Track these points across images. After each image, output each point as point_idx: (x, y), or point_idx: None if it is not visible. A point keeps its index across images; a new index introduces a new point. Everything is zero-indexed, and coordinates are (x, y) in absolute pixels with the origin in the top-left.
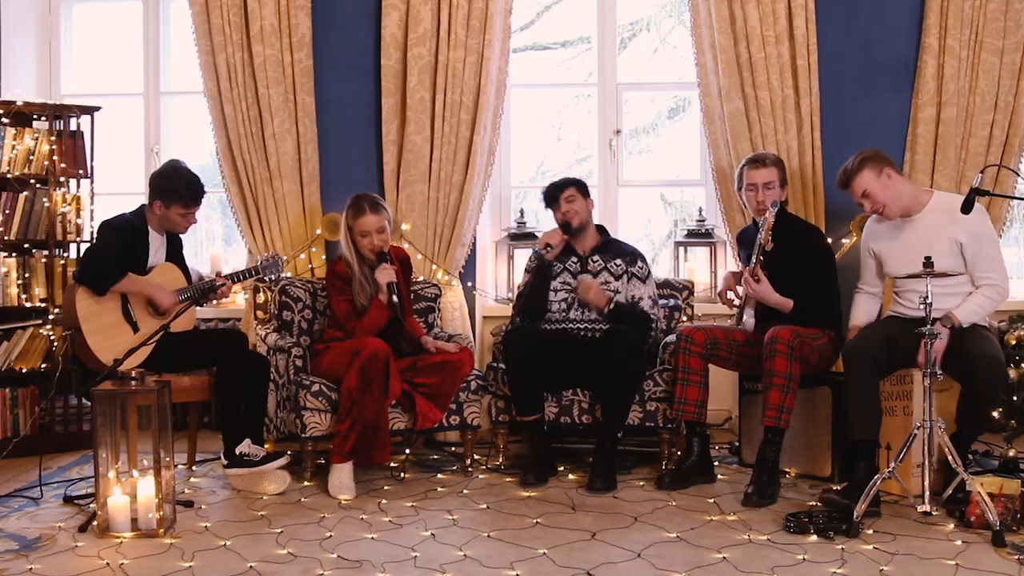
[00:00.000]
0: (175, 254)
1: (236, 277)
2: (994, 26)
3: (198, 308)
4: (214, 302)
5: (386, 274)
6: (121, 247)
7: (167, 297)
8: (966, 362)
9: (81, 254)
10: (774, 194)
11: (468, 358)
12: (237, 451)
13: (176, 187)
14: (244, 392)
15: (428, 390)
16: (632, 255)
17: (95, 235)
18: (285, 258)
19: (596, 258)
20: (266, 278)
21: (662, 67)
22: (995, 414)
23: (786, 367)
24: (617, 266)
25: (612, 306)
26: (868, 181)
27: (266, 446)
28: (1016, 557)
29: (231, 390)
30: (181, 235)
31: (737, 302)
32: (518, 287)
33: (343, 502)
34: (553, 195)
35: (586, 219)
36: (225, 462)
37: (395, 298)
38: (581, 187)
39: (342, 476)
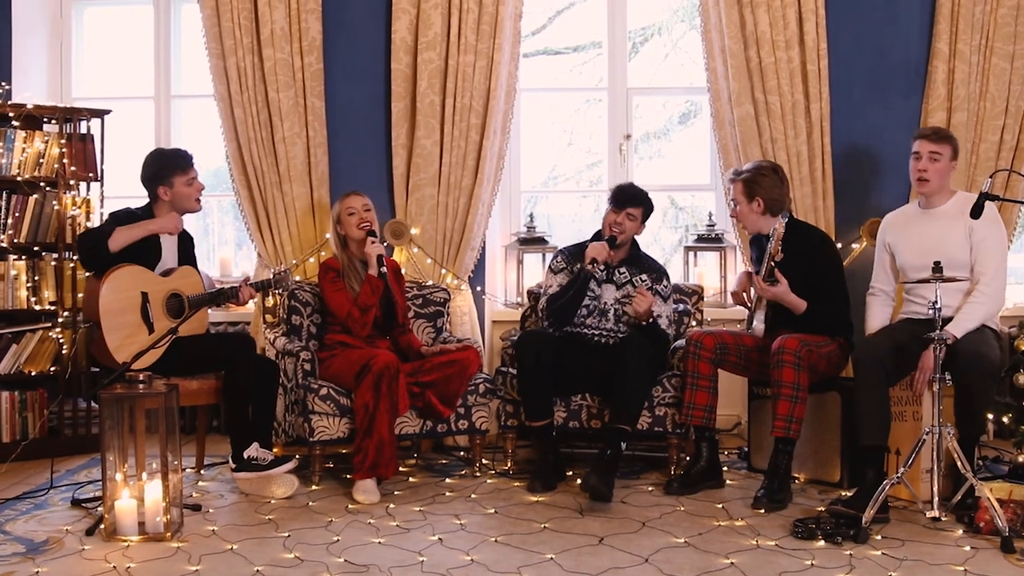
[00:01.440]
0: (188, 258)
1: (256, 286)
2: (1005, 31)
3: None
4: (221, 306)
5: (375, 247)
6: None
7: (171, 221)
8: (955, 359)
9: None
10: (739, 211)
11: (475, 356)
12: (245, 455)
13: (165, 160)
14: (252, 396)
15: (436, 391)
16: (659, 273)
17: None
18: (297, 279)
19: (623, 270)
20: (279, 290)
21: (674, 72)
22: (1004, 420)
23: (794, 377)
24: (642, 281)
25: (650, 320)
26: (944, 153)
27: (274, 450)
28: None
29: (239, 394)
30: (197, 211)
31: (750, 304)
32: (539, 285)
33: (352, 506)
34: (622, 201)
35: (630, 238)
36: (233, 466)
37: (383, 269)
38: (647, 212)
39: (367, 486)
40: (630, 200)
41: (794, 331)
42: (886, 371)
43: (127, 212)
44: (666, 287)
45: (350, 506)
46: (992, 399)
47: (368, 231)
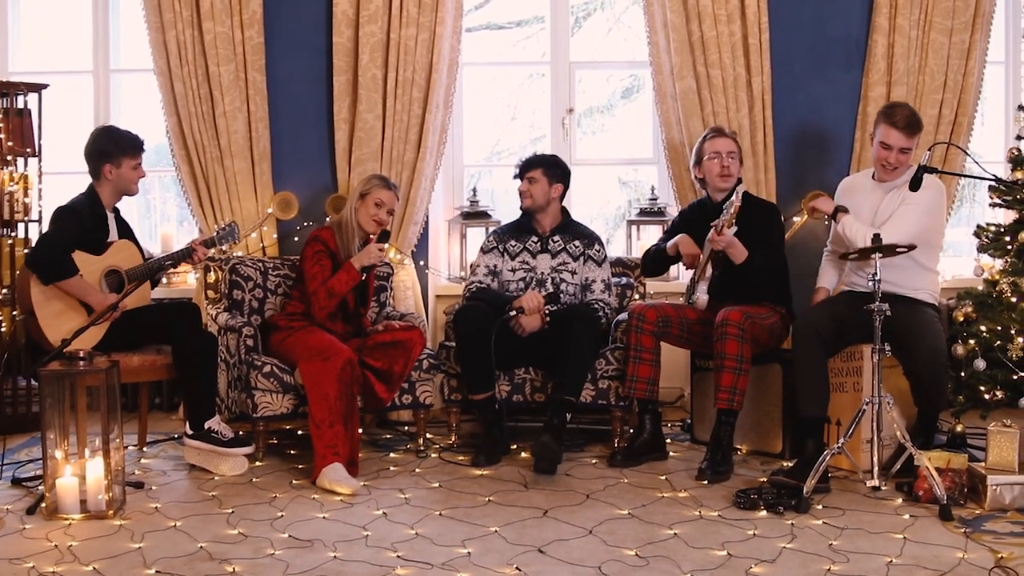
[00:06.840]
0: (126, 232)
1: (206, 243)
2: (943, 6)
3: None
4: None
5: (380, 254)
6: (77, 235)
7: (107, 301)
8: (909, 355)
9: (36, 239)
10: (736, 165)
11: (419, 338)
12: (206, 425)
13: (119, 140)
14: (200, 366)
15: (379, 369)
16: (590, 238)
17: (51, 221)
18: (239, 254)
19: (556, 238)
20: (222, 245)
21: (616, 47)
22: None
23: (737, 349)
24: (575, 247)
25: (548, 316)
26: (913, 146)
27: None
28: (963, 530)
29: (190, 362)
30: (134, 195)
31: (691, 270)
32: (470, 265)
33: (343, 498)
34: (521, 171)
35: (541, 203)
36: (190, 432)
37: (363, 276)
38: (550, 171)
39: (338, 472)
40: (526, 167)
41: (736, 304)
42: (824, 342)
43: (78, 203)
44: (598, 252)
45: (294, 482)
46: (947, 383)
47: (382, 234)
